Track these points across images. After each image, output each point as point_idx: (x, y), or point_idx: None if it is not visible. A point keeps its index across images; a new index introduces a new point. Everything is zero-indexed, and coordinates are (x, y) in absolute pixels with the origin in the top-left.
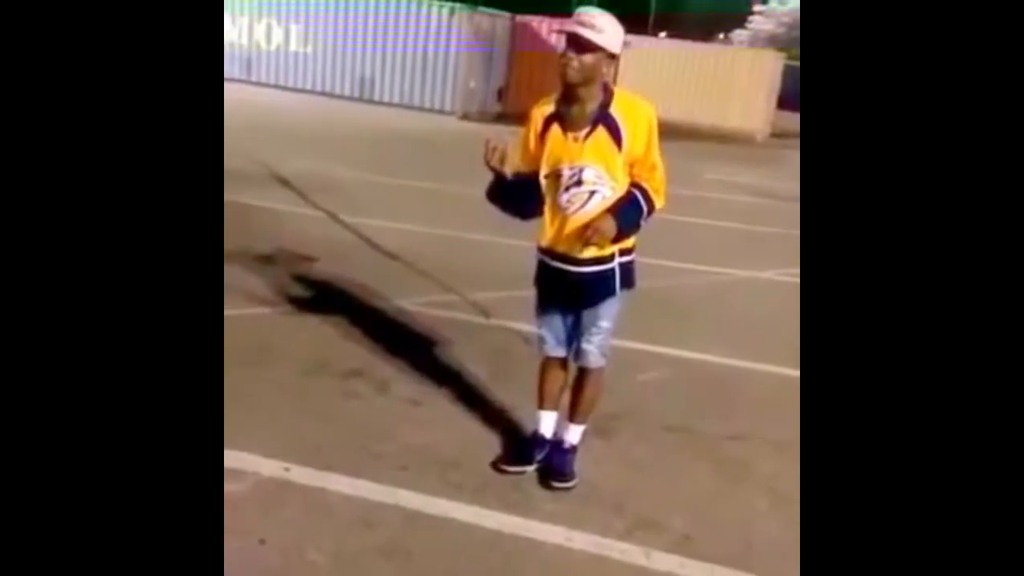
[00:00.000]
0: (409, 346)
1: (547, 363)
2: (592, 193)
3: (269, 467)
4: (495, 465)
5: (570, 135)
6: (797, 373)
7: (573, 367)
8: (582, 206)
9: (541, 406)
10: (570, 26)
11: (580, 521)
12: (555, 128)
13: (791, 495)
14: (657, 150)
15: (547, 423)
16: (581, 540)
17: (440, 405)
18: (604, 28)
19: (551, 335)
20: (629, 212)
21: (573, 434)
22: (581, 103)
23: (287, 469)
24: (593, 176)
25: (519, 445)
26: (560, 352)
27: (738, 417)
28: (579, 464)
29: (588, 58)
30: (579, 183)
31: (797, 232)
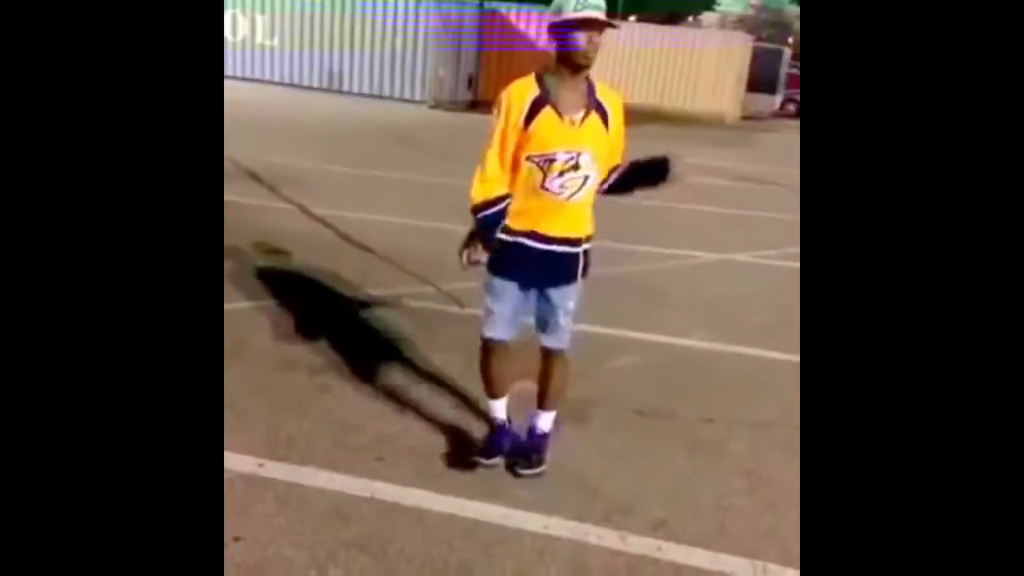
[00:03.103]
0: (383, 338)
1: (492, 349)
2: (586, 178)
3: (243, 463)
4: (469, 461)
5: (567, 119)
6: (771, 354)
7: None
8: (576, 192)
9: (492, 395)
10: (591, 12)
11: (557, 508)
12: (548, 112)
13: (767, 475)
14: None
15: (501, 408)
16: (558, 527)
17: (414, 396)
18: (604, 5)
19: (504, 315)
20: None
21: (545, 421)
22: (578, 86)
23: (261, 465)
24: (588, 161)
25: (488, 437)
26: (507, 335)
27: (712, 400)
28: (554, 451)
29: (600, 39)
30: (576, 167)
31: (770, 215)
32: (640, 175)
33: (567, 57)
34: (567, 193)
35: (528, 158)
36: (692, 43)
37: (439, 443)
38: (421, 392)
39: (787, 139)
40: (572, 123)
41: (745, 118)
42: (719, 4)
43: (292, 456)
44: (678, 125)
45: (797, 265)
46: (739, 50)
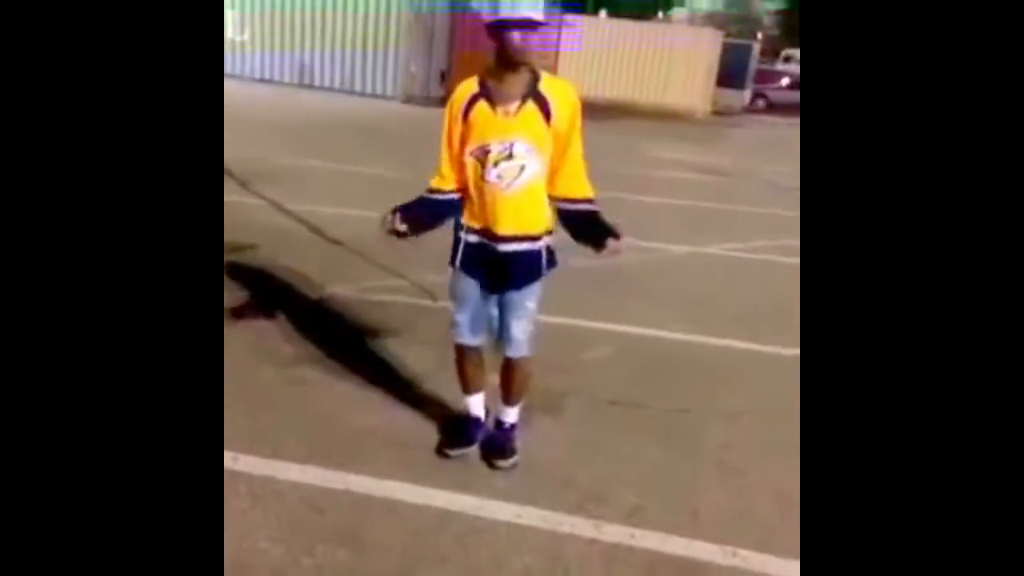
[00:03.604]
0: (356, 331)
1: (463, 352)
2: (522, 168)
3: None
4: (438, 451)
5: (499, 110)
6: (744, 345)
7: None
8: (513, 180)
9: (467, 392)
10: (518, 12)
11: (530, 497)
12: (481, 105)
13: (739, 464)
14: (579, 136)
15: (477, 403)
16: (532, 516)
17: (387, 388)
18: (538, 1)
19: (468, 320)
20: (603, 221)
21: (510, 415)
22: (515, 80)
23: (235, 459)
24: (523, 151)
25: (458, 427)
26: (476, 340)
27: (685, 390)
28: (526, 441)
29: (534, 35)
30: (510, 157)
31: (740, 208)
32: (589, 233)
33: (501, 55)
34: (504, 182)
35: (470, 153)
36: (663, 39)
37: (413, 435)
38: (394, 385)
39: (756, 133)
40: (506, 114)
41: (715, 113)
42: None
43: (265, 449)
44: (650, 120)
45: (768, 257)
46: (708, 46)
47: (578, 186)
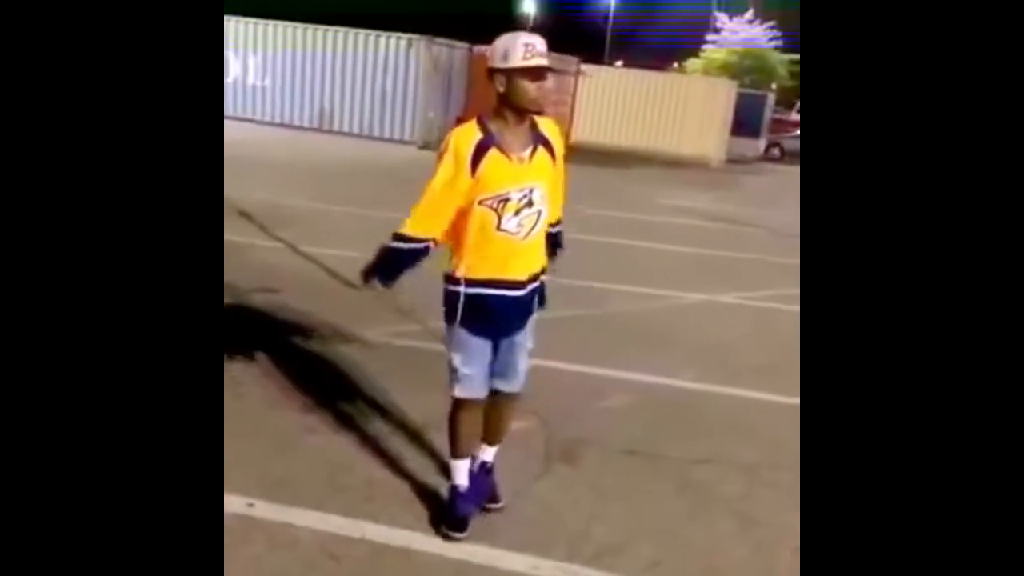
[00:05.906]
0: (372, 378)
1: (469, 406)
2: (540, 213)
3: (233, 503)
4: (442, 534)
5: (514, 157)
6: (761, 396)
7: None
8: (532, 228)
9: (461, 455)
10: (539, 60)
11: (547, 548)
12: (493, 153)
13: (758, 517)
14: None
15: (466, 473)
16: (548, 568)
17: (403, 436)
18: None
19: (480, 373)
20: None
21: (491, 454)
22: (523, 126)
23: (251, 505)
24: (539, 196)
25: (457, 507)
26: (484, 392)
27: (703, 440)
28: (543, 490)
29: (546, 84)
30: (530, 204)
31: (754, 256)
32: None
33: (513, 103)
34: (524, 232)
35: (481, 202)
36: (678, 89)
37: (428, 483)
38: (410, 432)
39: (770, 182)
40: (520, 160)
41: (730, 161)
42: (704, 51)
43: (282, 496)
44: (665, 168)
45: (782, 307)
46: (723, 95)
47: (559, 209)
